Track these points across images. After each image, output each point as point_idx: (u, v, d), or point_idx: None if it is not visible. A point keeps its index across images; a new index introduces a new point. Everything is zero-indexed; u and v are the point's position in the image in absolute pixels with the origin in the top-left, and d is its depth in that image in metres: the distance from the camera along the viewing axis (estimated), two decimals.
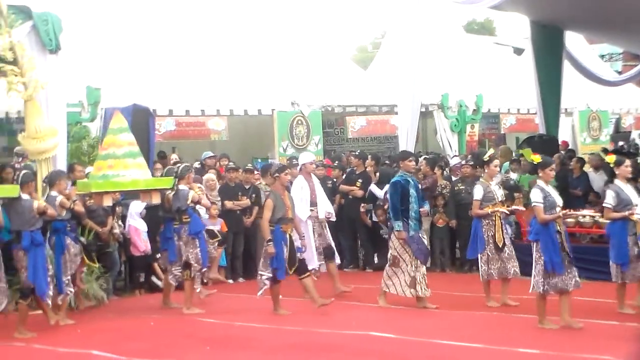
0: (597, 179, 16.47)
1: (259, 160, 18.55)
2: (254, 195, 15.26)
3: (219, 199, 14.89)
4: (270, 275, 11.63)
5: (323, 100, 19.10)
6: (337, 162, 17.92)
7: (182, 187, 12.29)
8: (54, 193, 11.47)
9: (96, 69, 16.40)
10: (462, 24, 31.21)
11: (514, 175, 16.65)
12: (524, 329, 10.53)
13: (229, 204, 15.05)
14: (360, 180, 15.87)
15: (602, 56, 28.93)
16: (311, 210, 13.31)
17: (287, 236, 11.67)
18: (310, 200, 13.32)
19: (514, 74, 22.64)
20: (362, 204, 15.84)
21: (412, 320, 11.32)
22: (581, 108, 23.59)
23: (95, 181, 12.09)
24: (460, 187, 15.33)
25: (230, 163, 16.16)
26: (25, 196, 11.00)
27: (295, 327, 10.92)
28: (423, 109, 18.24)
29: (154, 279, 14.04)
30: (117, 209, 13.69)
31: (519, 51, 26.73)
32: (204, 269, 12.33)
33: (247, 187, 15.42)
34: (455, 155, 18.34)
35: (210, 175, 15.29)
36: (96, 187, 12.03)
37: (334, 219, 14.18)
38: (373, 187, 15.78)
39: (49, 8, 13.35)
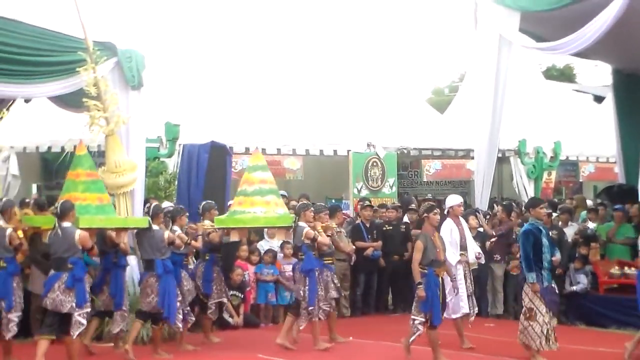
0: None
1: (333, 201, 18.57)
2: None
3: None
4: (424, 319, 11.01)
5: (399, 142, 19.07)
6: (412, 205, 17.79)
7: (302, 224, 12.31)
8: (175, 227, 12.28)
9: (176, 106, 16.63)
10: (542, 70, 31.01)
11: (591, 225, 16.37)
12: None
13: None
14: None
15: None
16: (461, 254, 12.74)
17: (440, 280, 11.16)
18: (460, 244, 12.74)
19: (594, 121, 22.34)
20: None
21: None
22: None
23: (224, 217, 12.84)
24: None
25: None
26: (155, 227, 11.85)
27: None
28: (500, 154, 18.08)
29: (225, 315, 14.04)
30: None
31: (599, 99, 26.40)
32: (311, 307, 12.10)
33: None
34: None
35: None
36: (218, 222, 12.73)
37: (483, 260, 13.84)
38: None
39: (133, 45, 13.62)
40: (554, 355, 11.78)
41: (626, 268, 14.51)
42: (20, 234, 11.49)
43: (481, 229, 15.21)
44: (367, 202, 16.35)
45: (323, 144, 18.22)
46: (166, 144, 15.82)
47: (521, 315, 11.57)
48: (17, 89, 12.76)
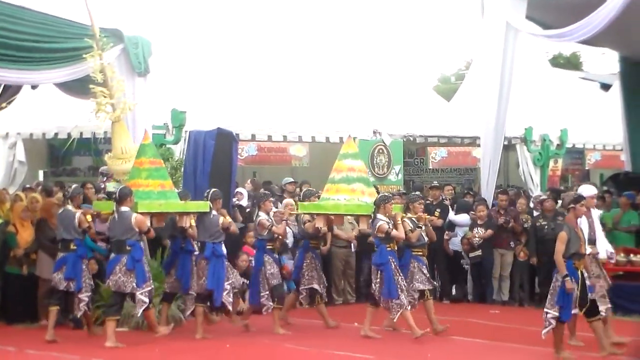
0: None
1: None
2: None
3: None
4: (557, 314, 10.60)
5: (405, 129, 19.06)
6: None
7: (380, 216, 12.01)
8: (261, 213, 12.59)
9: (182, 93, 16.65)
10: (548, 58, 30.95)
11: (597, 212, 16.34)
12: None
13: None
14: (438, 210, 15.74)
15: None
16: (590, 248, 11.69)
17: (579, 273, 10.64)
18: (588, 237, 11.65)
19: (600, 109, 22.32)
20: (446, 232, 15.74)
21: (487, 353, 11.16)
22: None
23: (309, 203, 13.05)
24: (542, 223, 15.12)
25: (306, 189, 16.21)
26: (214, 212, 12.18)
27: (369, 356, 10.85)
28: (506, 142, 18.07)
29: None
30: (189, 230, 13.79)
31: (606, 87, 26.36)
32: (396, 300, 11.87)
33: None
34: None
35: (290, 201, 15.34)
36: (302, 208, 13.05)
37: (614, 260, 12.98)
38: (452, 216, 15.76)
39: (140, 32, 13.64)
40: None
41: (631, 255, 14.50)
42: (89, 217, 12.11)
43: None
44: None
45: (329, 131, 18.21)
46: (172, 130, 15.86)
47: None
48: (24, 76, 12.82)
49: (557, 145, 20.53)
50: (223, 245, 12.42)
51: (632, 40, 17.27)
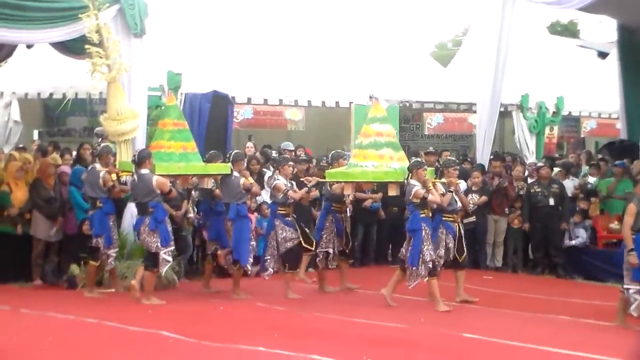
0: None
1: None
2: (323, 187, 15.24)
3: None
4: (638, 287, 10.42)
5: (401, 95, 19.00)
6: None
7: (413, 182, 11.74)
8: (280, 177, 12.49)
9: (178, 55, 16.57)
10: (546, 25, 30.82)
11: (592, 180, 16.40)
12: (597, 333, 10.40)
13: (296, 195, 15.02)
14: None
15: None
16: None
17: None
18: None
19: (597, 77, 22.27)
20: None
21: (480, 320, 11.23)
22: None
23: (335, 170, 12.85)
24: (537, 190, 15.16)
25: (303, 155, 16.19)
26: (235, 173, 12.37)
27: (368, 321, 10.89)
28: (502, 109, 18.04)
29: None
30: (192, 193, 13.83)
31: (603, 55, 26.29)
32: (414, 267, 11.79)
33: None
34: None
35: None
36: (329, 176, 12.78)
37: None
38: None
39: None
40: (553, 307, 11.87)
41: None
42: (114, 177, 12.32)
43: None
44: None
45: (325, 96, 18.17)
46: (168, 92, 15.78)
47: None
48: (19, 35, 12.74)
49: (553, 112, 20.50)
50: (246, 206, 12.67)
51: (631, 8, 17.20)
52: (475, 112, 18.17)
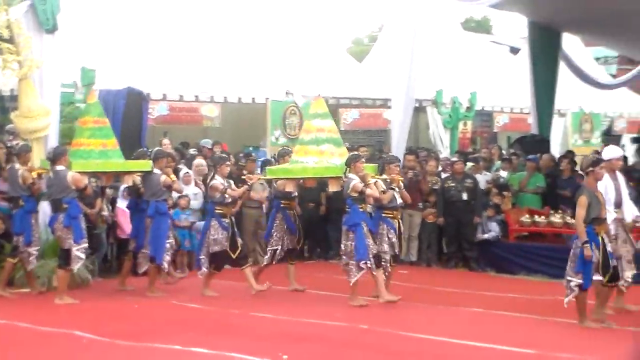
0: None
1: (250, 149, 18.55)
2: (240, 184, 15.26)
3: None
4: (580, 281, 10.32)
5: (317, 91, 19.04)
6: None
7: (352, 175, 11.73)
8: (217, 177, 12.34)
9: (92, 50, 16.39)
10: (460, 21, 31.20)
11: (504, 174, 16.71)
12: (510, 325, 10.61)
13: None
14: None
15: (598, 59, 28.94)
16: (615, 212, 11.29)
17: (600, 239, 10.35)
18: (615, 201, 11.28)
19: (509, 73, 22.65)
20: None
21: (397, 314, 11.36)
22: (574, 110, 23.62)
23: (276, 167, 12.96)
24: (451, 185, 15.37)
25: (217, 152, 16.16)
26: (157, 170, 12.39)
27: (279, 316, 10.94)
28: (417, 104, 18.24)
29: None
30: (106, 191, 13.73)
31: (515, 50, 26.73)
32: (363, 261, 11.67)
33: (233, 176, 15.39)
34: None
35: (200, 161, 15.32)
36: (270, 173, 12.90)
37: None
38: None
39: None
40: (466, 300, 12.05)
41: (536, 216, 14.86)
42: (34, 174, 12.17)
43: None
44: (285, 150, 16.32)
45: (241, 92, 18.14)
46: (81, 89, 15.59)
47: None
48: None
49: (467, 107, 20.82)
50: (167, 204, 12.64)
51: (539, 5, 17.54)
52: (390, 107, 18.33)
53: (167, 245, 12.39)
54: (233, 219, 12.53)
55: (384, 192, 11.91)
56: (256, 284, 12.37)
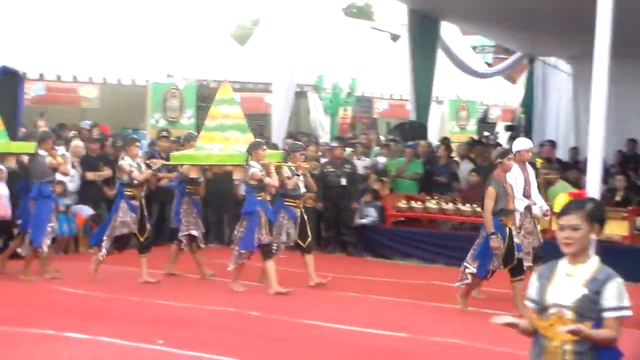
0: (463, 168, 16.91)
1: (130, 131, 18.33)
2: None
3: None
4: (474, 270, 10.43)
5: (199, 74, 19.00)
6: None
7: (252, 163, 11.57)
8: (126, 158, 12.16)
9: None
10: (342, 7, 31.47)
11: (382, 160, 16.96)
12: (382, 309, 10.81)
13: (90, 174, 14.81)
14: None
15: (475, 47, 29.64)
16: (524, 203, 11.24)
17: (507, 230, 10.33)
18: (523, 192, 11.17)
19: (390, 59, 22.98)
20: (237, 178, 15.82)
21: (274, 299, 11.44)
22: (451, 97, 24.15)
23: (180, 153, 12.78)
24: (330, 170, 15.51)
25: (95, 135, 15.98)
26: (42, 152, 12.04)
27: (159, 301, 10.90)
28: (298, 89, 18.35)
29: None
30: None
31: (395, 37, 27.10)
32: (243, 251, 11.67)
33: (110, 158, 15.23)
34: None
35: (78, 142, 15.10)
36: (174, 159, 12.81)
37: (548, 217, 11.81)
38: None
39: None
40: (339, 285, 12.22)
41: (412, 202, 15.15)
42: None
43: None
44: (164, 133, 16.23)
45: (121, 73, 17.91)
46: None
47: None
48: None
49: (347, 93, 21.05)
50: (50, 187, 12.26)
51: None
52: (271, 92, 18.37)
53: (49, 229, 12.12)
54: (143, 201, 12.36)
55: (289, 178, 11.90)
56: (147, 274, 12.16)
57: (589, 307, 4.42)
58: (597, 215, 4.54)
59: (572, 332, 4.35)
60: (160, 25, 19.98)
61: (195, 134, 13.33)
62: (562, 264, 4.57)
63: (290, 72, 16.84)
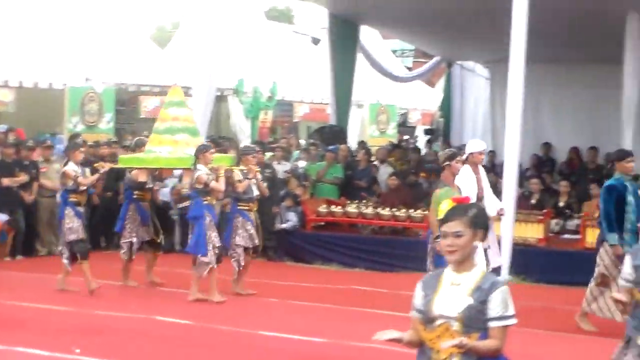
0: (382, 172, 17.03)
1: (47, 136, 18.05)
2: (34, 171, 14.85)
3: None
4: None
5: (118, 77, 18.80)
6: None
7: (200, 166, 11.38)
8: (70, 163, 11.76)
9: None
10: (264, 10, 31.42)
11: (302, 164, 16.99)
12: (302, 314, 10.84)
13: (5, 180, 14.55)
14: None
15: (395, 51, 29.88)
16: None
17: None
18: (477, 195, 10.91)
19: (310, 63, 23.04)
20: (156, 183, 15.68)
21: (186, 304, 11.38)
22: (371, 101, 24.31)
23: (129, 156, 12.59)
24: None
25: (11, 139, 15.72)
26: None
27: (70, 308, 10.76)
28: (218, 93, 18.27)
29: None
30: None
31: (316, 41, 27.18)
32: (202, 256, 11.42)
33: (26, 163, 14.99)
34: None
35: None
36: (122, 162, 12.63)
37: (504, 217, 12.02)
38: None
39: None
40: (260, 290, 12.19)
41: (333, 206, 15.22)
42: None
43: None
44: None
45: (38, 76, 17.65)
46: None
47: (592, 281, 10.21)
48: None
49: (268, 97, 21.04)
50: None
51: None
52: (191, 95, 18.25)
53: None
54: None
55: (240, 181, 11.83)
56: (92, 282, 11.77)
57: (475, 318, 4.36)
58: (480, 222, 4.48)
59: (457, 347, 4.30)
60: (78, 26, 19.73)
61: (146, 139, 12.98)
62: (448, 273, 4.51)
63: (211, 75, 16.76)
